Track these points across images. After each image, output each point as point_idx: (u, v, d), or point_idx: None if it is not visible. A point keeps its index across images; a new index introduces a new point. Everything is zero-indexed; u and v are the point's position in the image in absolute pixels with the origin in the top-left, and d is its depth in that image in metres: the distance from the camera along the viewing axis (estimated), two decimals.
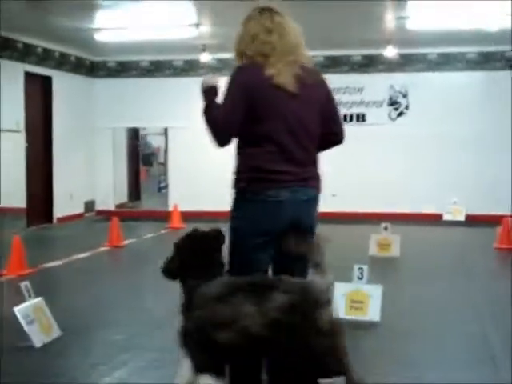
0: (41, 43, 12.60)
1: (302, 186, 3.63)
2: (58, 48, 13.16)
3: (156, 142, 20.34)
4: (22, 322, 4.98)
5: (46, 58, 12.91)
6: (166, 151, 16.49)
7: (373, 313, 5.73)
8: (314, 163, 3.73)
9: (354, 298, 5.80)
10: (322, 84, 3.76)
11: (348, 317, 5.72)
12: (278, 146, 3.58)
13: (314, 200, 3.71)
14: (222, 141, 3.60)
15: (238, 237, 3.60)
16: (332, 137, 3.82)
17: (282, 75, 3.57)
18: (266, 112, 3.57)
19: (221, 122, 3.55)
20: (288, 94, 3.57)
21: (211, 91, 3.63)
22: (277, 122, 3.58)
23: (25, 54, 12.20)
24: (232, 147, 3.73)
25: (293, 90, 3.57)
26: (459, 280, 7.73)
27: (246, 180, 3.60)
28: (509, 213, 11.03)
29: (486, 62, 13.37)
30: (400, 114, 13.73)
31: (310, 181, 3.68)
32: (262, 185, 3.58)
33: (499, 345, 5.15)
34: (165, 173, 17.41)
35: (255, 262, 3.57)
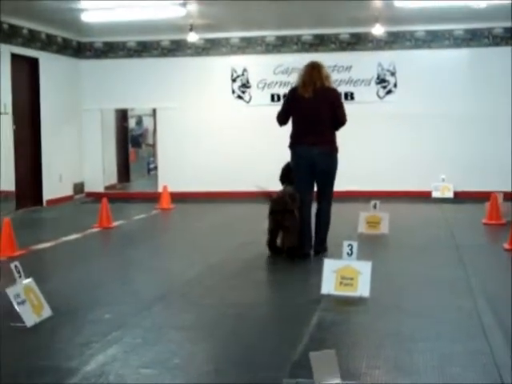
0: (27, 24, 12.49)
1: (315, 145, 7.41)
2: (44, 29, 13.06)
3: (144, 122, 20.28)
4: (14, 302, 4.99)
5: (32, 39, 12.81)
6: (154, 132, 16.44)
7: (362, 288, 5.78)
8: (325, 135, 7.49)
9: (344, 275, 5.84)
10: (331, 93, 7.63)
11: (338, 293, 5.80)
12: (300, 126, 7.55)
13: (324, 153, 7.48)
14: (279, 123, 7.76)
15: (294, 169, 7.74)
16: (337, 121, 7.53)
17: (306, 91, 7.46)
18: (295, 109, 7.59)
19: (277, 116, 7.74)
20: (307, 99, 7.45)
21: None
22: (299, 114, 7.53)
23: (11, 35, 12.09)
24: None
25: (309, 97, 7.43)
26: (449, 255, 7.78)
27: (290, 142, 7.65)
28: (496, 189, 11.06)
29: (473, 38, 13.38)
30: (388, 92, 13.73)
31: (321, 143, 7.46)
32: (294, 145, 7.60)
33: (490, 318, 5.20)
34: (154, 154, 17.38)
35: (303, 181, 7.64)
